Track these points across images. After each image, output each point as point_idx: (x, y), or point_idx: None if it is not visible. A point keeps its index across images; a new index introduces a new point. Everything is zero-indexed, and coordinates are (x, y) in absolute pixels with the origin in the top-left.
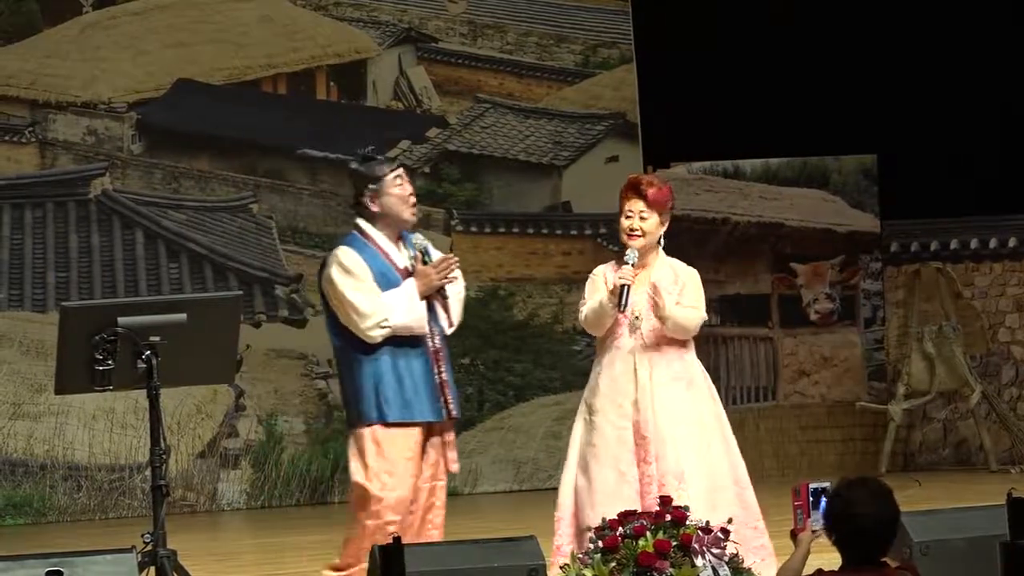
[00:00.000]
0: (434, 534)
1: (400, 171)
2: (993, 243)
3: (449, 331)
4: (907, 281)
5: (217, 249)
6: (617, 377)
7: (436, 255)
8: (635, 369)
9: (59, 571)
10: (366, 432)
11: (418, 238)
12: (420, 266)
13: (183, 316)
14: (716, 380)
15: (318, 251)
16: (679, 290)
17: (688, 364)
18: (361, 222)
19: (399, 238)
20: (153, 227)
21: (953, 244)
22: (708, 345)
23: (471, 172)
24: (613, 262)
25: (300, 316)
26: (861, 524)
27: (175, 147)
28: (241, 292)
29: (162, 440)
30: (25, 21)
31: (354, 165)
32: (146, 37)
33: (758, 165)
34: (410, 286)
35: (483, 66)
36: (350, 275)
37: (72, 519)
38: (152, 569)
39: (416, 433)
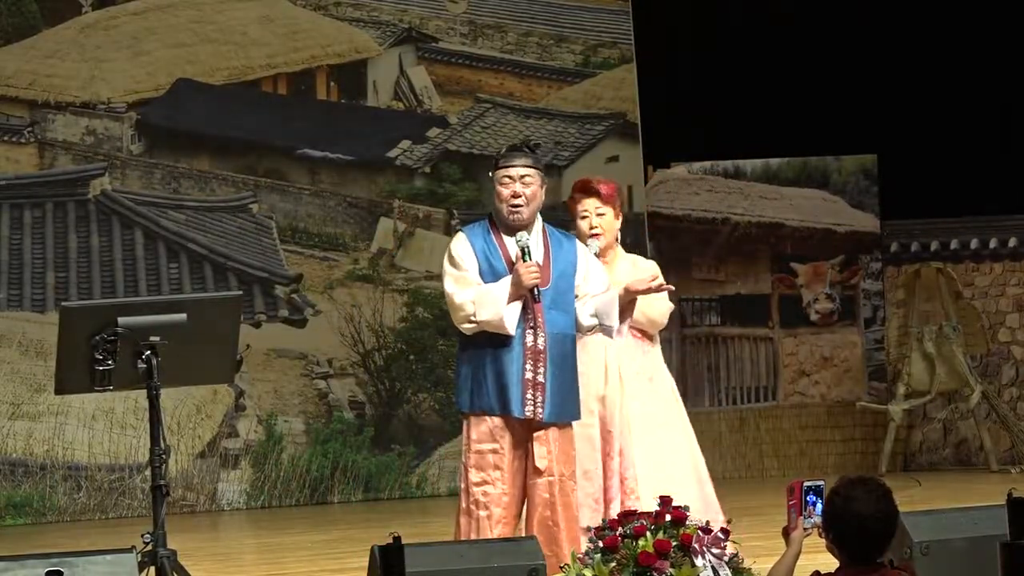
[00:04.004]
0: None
1: (511, 169)
2: (993, 243)
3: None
4: (907, 281)
5: (217, 249)
6: (585, 372)
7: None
8: (606, 365)
9: (59, 571)
10: (464, 418)
11: (522, 236)
12: (519, 264)
13: (183, 316)
14: (716, 380)
15: (318, 251)
16: None
17: (651, 359)
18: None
19: (524, 227)
20: (153, 227)
21: (953, 244)
22: (708, 345)
23: (472, 172)
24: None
25: (300, 316)
26: (859, 523)
27: (175, 147)
28: (241, 292)
29: (162, 440)
30: (25, 21)
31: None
32: (146, 37)
33: (758, 165)
34: (504, 285)
35: (483, 66)
36: (452, 264)
37: (72, 519)
38: (152, 569)
39: (497, 425)
